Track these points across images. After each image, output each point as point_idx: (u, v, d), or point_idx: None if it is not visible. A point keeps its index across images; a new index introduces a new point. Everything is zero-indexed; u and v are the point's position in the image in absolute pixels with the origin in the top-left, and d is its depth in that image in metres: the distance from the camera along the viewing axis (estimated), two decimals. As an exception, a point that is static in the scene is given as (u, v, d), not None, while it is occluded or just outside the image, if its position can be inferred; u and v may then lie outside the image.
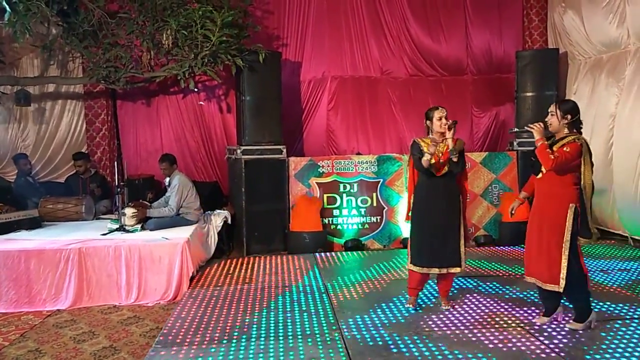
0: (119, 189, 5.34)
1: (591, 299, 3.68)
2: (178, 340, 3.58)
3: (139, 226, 5.29)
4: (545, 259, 3.56)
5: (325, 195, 6.45)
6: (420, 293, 4.20)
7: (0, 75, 6.32)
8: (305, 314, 4.06)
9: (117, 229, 5.18)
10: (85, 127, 6.91)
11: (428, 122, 4.06)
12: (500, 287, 4.61)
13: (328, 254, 6.05)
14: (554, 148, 3.52)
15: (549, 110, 3.63)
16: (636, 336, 3.47)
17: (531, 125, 3.63)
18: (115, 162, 5.61)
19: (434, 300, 4.28)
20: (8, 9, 5.32)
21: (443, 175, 3.95)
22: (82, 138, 6.91)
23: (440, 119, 3.97)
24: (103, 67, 6.17)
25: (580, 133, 3.58)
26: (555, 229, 3.49)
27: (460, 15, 7.69)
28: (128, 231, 5.17)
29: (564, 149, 3.46)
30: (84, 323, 4.19)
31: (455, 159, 3.86)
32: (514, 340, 3.45)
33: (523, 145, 6.68)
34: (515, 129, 4.07)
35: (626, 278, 4.80)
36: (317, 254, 5.99)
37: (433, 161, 3.86)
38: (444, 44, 7.68)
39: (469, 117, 7.77)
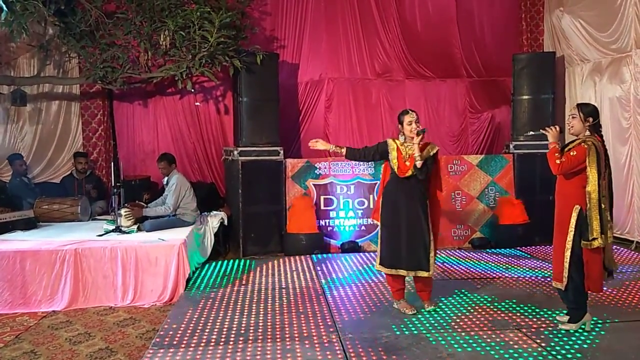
0: (115, 190, 5.31)
1: (587, 301, 3.69)
2: (175, 342, 3.56)
3: (135, 227, 5.26)
4: (553, 256, 3.69)
5: (322, 197, 6.44)
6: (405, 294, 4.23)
7: (-4, 75, 6.29)
8: (302, 315, 4.05)
9: (113, 230, 5.15)
10: (81, 127, 6.87)
11: (399, 125, 4.10)
12: (497, 290, 4.62)
13: (325, 255, 6.05)
14: (564, 151, 3.58)
15: (570, 113, 3.68)
16: (633, 339, 3.49)
17: (547, 129, 3.70)
18: (112, 163, 5.58)
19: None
20: (5, 8, 5.30)
21: (408, 178, 3.99)
22: (79, 138, 6.87)
23: (410, 123, 4.02)
24: (100, 67, 6.14)
25: (601, 136, 3.61)
26: (561, 229, 3.58)
27: (456, 18, 7.72)
28: (124, 232, 5.15)
29: (571, 152, 3.52)
30: (80, 324, 4.16)
31: (418, 165, 3.90)
32: (511, 342, 3.46)
33: (519, 148, 6.72)
34: (532, 132, 4.17)
35: (622, 280, 4.82)
36: (313, 255, 5.99)
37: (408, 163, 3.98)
38: (440, 46, 7.70)
39: (465, 120, 7.79)
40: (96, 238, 4.97)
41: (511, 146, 6.81)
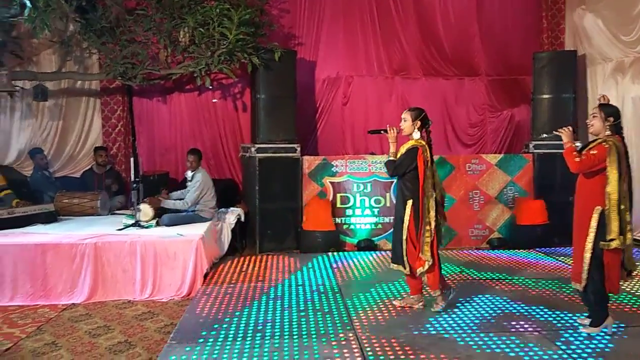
0: (134, 185, 5.37)
1: (608, 304, 3.64)
2: (192, 337, 3.58)
3: (154, 222, 5.31)
4: (573, 257, 3.66)
5: (338, 195, 6.43)
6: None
7: (19, 70, 6.37)
8: (318, 313, 4.05)
9: (132, 225, 5.21)
10: (101, 123, 6.95)
11: None
12: (516, 291, 4.57)
13: (341, 253, 6.04)
14: (584, 150, 3.55)
15: (591, 113, 3.64)
16: (655, 343, 3.44)
17: (560, 130, 3.70)
18: (131, 158, 5.63)
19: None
20: (29, 4, 5.37)
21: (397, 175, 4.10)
22: (98, 134, 6.95)
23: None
24: (120, 63, 6.20)
25: (622, 137, 3.56)
26: (581, 230, 3.55)
27: (476, 15, 7.63)
28: (143, 227, 5.20)
29: (591, 151, 3.49)
30: (99, 317, 4.21)
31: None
32: (530, 344, 3.42)
33: (539, 148, 6.62)
34: (545, 135, 4.12)
35: (643, 284, 4.75)
36: (329, 253, 5.99)
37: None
38: (459, 44, 7.63)
39: (484, 119, 7.71)
40: (116, 232, 5.02)
41: (531, 146, 6.72)
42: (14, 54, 6.34)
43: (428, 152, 3.97)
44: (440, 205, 4.07)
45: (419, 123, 4.01)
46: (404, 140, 4.10)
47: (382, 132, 4.16)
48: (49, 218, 5.52)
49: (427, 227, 3.90)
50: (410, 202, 3.95)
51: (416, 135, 4.01)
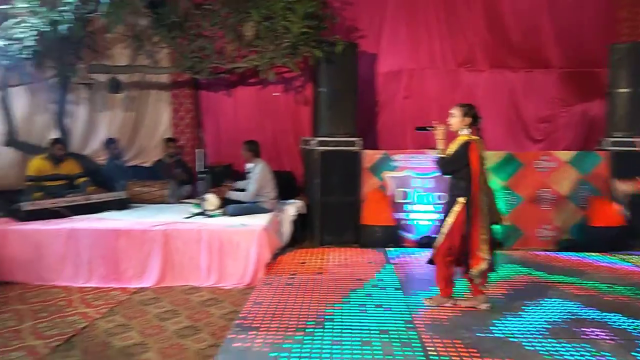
0: (202, 175, 5.54)
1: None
2: (255, 325, 3.66)
3: (219, 211, 5.46)
4: None
5: (397, 190, 6.35)
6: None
7: (95, 63, 6.71)
8: (379, 309, 4.02)
9: (199, 214, 5.38)
10: (171, 115, 7.21)
11: None
12: (587, 296, 4.34)
13: (401, 249, 5.97)
14: None
15: None
16: None
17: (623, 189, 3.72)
18: (197, 150, 5.82)
19: (507, 302, 4.11)
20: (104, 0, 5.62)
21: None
22: (168, 125, 7.22)
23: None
24: (189, 57, 6.39)
25: None
26: None
27: (547, 4, 7.25)
28: (209, 216, 5.35)
29: None
30: (167, 302, 4.39)
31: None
32: (602, 352, 3.24)
33: (615, 145, 6.24)
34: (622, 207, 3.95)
35: None
36: (389, 248, 5.93)
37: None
38: (528, 34, 7.28)
39: (554, 113, 7.34)
40: (183, 220, 5.21)
41: (606, 142, 6.34)
42: (90, 48, 6.68)
43: (482, 146, 3.83)
44: (494, 203, 3.94)
45: (468, 119, 3.88)
46: (453, 137, 3.97)
47: (428, 129, 4.04)
48: (121, 205, 5.81)
49: (483, 224, 3.77)
50: (462, 200, 3.81)
51: (465, 132, 3.88)
